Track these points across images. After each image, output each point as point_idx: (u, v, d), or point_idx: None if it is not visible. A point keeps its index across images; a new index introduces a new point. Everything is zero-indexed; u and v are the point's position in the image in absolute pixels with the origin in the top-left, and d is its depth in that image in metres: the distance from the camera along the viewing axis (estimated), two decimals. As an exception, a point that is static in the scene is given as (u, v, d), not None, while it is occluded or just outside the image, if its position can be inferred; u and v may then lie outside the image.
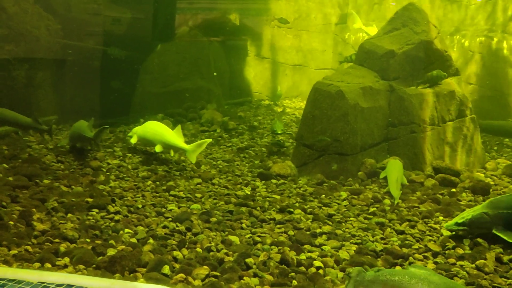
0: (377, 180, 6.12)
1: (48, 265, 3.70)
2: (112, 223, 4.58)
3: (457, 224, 4.34)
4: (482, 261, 3.88)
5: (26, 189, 5.39)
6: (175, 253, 3.94)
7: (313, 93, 6.67)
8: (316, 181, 6.13)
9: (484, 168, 6.91)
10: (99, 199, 5.11)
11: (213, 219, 4.80)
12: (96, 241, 4.15)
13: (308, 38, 13.91)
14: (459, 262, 3.93)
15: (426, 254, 4.09)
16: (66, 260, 3.79)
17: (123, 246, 4.00)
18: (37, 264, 3.69)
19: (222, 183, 6.13)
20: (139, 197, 5.45)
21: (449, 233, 4.47)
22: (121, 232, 4.38)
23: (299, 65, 14.03)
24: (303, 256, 3.98)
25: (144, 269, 3.70)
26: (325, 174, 6.27)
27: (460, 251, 4.15)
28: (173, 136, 6.73)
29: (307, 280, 3.58)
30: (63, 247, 4.00)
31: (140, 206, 5.10)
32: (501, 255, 4.02)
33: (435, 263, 3.92)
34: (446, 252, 4.14)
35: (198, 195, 5.58)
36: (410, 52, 7.03)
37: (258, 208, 5.17)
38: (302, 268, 3.76)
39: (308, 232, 4.50)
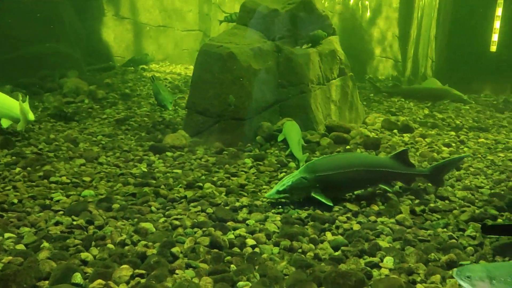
0: (276, 144, 6.01)
1: None
2: (-16, 228, 3.60)
3: (278, 192, 4.21)
4: (401, 215, 4.05)
5: None
6: (83, 255, 3.25)
7: (201, 56, 6.17)
8: (215, 149, 5.77)
9: (365, 123, 7.34)
10: (-45, 199, 4.00)
11: (115, 206, 4.12)
12: (-32, 256, 3.20)
13: (172, -3, 13.03)
14: (379, 219, 4.03)
15: (347, 215, 4.11)
16: None
17: (10, 257, 3.15)
18: None
19: (111, 161, 5.36)
20: (9, 189, 4.42)
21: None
22: (0, 238, 3.47)
23: (163, 26, 13.12)
24: (231, 235, 3.64)
25: (47, 282, 2.96)
26: (222, 141, 5.94)
27: (375, 207, 4.28)
28: (20, 106, 5.80)
29: (246, 262, 3.27)
30: None
31: (15, 201, 4.13)
32: (414, 207, 4.25)
33: (360, 223, 3.95)
34: (364, 210, 4.22)
35: (87, 179, 4.77)
36: (292, 11, 6.93)
37: (163, 186, 4.63)
38: (236, 249, 3.44)
39: (227, 207, 4.16)
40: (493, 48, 11.47)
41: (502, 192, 4.84)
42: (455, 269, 2.69)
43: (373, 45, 12.41)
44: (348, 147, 5.98)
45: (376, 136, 6.42)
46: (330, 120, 6.52)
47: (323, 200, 4.18)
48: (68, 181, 4.69)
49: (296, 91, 6.62)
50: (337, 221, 3.96)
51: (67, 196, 4.31)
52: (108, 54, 12.06)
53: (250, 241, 3.53)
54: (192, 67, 12.66)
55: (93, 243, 3.46)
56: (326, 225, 3.90)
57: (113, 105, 8.08)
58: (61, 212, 3.95)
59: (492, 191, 4.90)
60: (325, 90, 6.94)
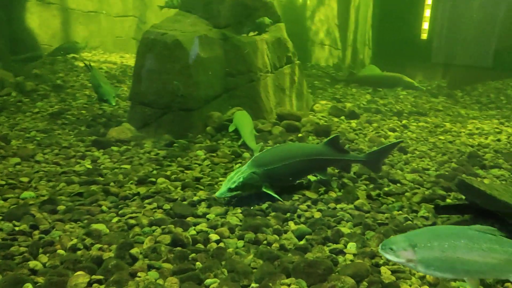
0: (227, 134, 5.86)
1: None
2: None
3: (230, 189, 3.98)
4: (358, 200, 4.08)
5: None
6: (31, 263, 2.94)
7: (144, 44, 5.85)
8: (165, 142, 5.51)
9: (313, 111, 7.38)
10: None
11: (61, 208, 3.79)
12: None
13: (102, -20, 12.30)
14: (338, 206, 4.04)
15: (307, 203, 4.07)
16: None
17: None
18: None
19: (50, 159, 4.94)
20: None
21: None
22: None
23: (94, 12, 12.37)
24: (193, 231, 3.47)
25: (-8, 297, 2.64)
26: (171, 133, 5.69)
27: (333, 194, 4.28)
28: None
29: (211, 258, 3.13)
30: None
31: None
32: (370, 192, 4.31)
33: (320, 210, 3.93)
34: (323, 197, 4.21)
35: (24, 179, 4.35)
36: (237, -2, 6.77)
37: (112, 183, 4.33)
38: (200, 246, 3.27)
39: (185, 202, 3.97)
40: (424, 35, 12.03)
41: (447, 173, 5.06)
42: (380, 245, 2.66)
43: (314, 33, 12.55)
44: (300, 135, 5.97)
45: (326, 123, 6.47)
46: (281, 109, 6.47)
47: (274, 195, 4.07)
48: (3, 182, 4.25)
49: (245, 80, 6.49)
50: (298, 210, 3.91)
51: (4, 200, 3.89)
52: (33, 43, 11.16)
53: (213, 236, 3.39)
54: (128, 55, 12.15)
55: (41, 249, 3.14)
56: (288, 214, 3.84)
57: (45, 97, 7.49)
58: (0, 218, 3.55)
59: (438, 172, 5.12)
60: (274, 79, 6.88)
